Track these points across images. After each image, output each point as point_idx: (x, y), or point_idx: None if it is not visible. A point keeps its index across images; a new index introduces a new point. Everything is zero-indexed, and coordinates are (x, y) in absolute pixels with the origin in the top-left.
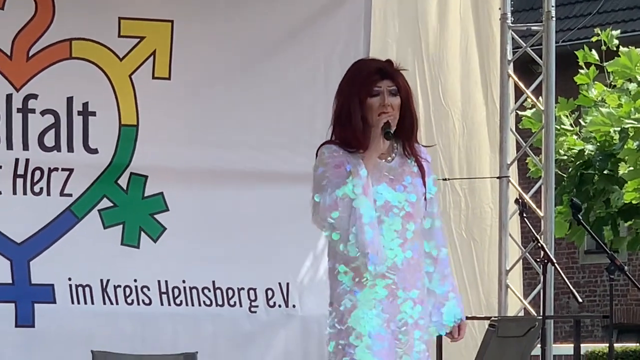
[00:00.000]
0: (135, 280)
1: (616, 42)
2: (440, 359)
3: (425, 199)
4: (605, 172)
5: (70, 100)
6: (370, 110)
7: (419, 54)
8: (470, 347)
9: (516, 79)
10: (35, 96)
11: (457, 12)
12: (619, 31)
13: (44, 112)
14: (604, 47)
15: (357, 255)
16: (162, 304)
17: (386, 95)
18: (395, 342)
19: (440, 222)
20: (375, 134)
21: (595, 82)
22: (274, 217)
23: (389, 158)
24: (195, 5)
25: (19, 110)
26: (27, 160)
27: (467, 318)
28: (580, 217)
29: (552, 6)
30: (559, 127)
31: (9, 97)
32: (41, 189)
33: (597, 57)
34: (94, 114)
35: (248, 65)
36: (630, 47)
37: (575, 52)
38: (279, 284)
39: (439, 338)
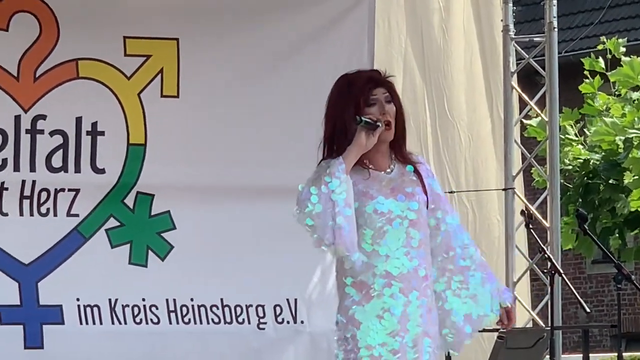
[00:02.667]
0: (143, 300)
1: (623, 49)
2: None
3: (427, 207)
4: (610, 181)
5: (79, 120)
6: (360, 120)
7: (424, 66)
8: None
9: (519, 90)
10: (44, 117)
11: (460, 25)
12: (625, 38)
13: (52, 133)
14: (609, 56)
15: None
16: (170, 323)
17: (384, 103)
18: (406, 352)
19: (456, 220)
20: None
21: (599, 91)
22: (282, 233)
23: (388, 170)
24: (200, 23)
25: (27, 131)
26: (34, 182)
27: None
28: (587, 227)
29: (554, 17)
30: (563, 137)
31: (17, 119)
32: (48, 209)
33: (603, 65)
34: (102, 133)
35: (255, 80)
36: (632, 56)
37: (582, 59)
38: (287, 300)
39: None
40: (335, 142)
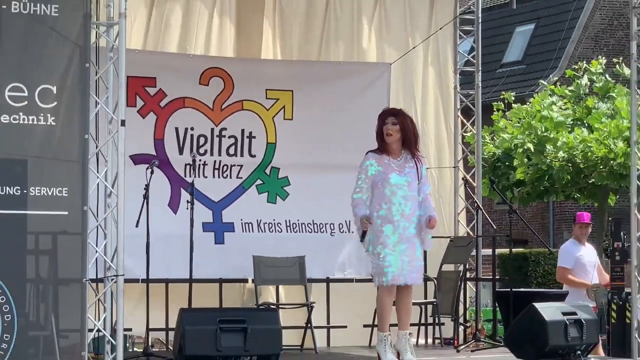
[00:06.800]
0: (274, 219)
1: (513, 98)
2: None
3: (419, 180)
4: (507, 163)
5: (243, 130)
6: (382, 132)
7: (414, 109)
8: (440, 253)
9: (462, 117)
10: (225, 129)
11: (431, 86)
12: (514, 93)
13: (229, 137)
14: (507, 101)
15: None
16: (287, 232)
17: (389, 125)
18: (401, 249)
19: (428, 193)
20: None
21: (502, 119)
22: (345, 188)
23: (398, 158)
24: (303, 83)
25: (217, 136)
26: (220, 161)
27: (439, 237)
28: (495, 186)
29: (480, 81)
30: (483, 141)
31: (212, 130)
32: (227, 175)
33: (503, 107)
34: (254, 137)
35: (332, 113)
36: (519, 103)
37: (492, 103)
38: (345, 220)
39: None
40: (376, 140)
